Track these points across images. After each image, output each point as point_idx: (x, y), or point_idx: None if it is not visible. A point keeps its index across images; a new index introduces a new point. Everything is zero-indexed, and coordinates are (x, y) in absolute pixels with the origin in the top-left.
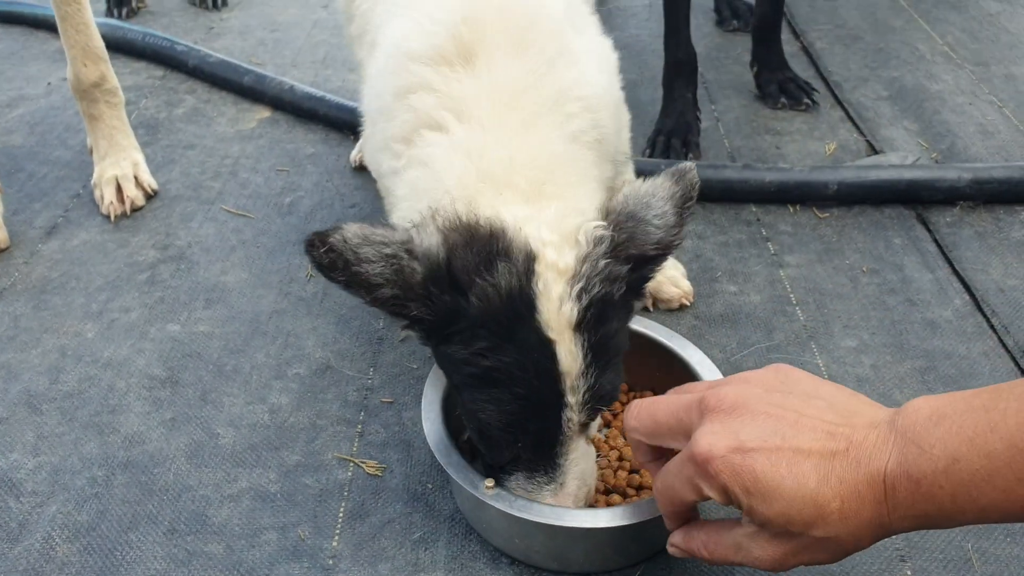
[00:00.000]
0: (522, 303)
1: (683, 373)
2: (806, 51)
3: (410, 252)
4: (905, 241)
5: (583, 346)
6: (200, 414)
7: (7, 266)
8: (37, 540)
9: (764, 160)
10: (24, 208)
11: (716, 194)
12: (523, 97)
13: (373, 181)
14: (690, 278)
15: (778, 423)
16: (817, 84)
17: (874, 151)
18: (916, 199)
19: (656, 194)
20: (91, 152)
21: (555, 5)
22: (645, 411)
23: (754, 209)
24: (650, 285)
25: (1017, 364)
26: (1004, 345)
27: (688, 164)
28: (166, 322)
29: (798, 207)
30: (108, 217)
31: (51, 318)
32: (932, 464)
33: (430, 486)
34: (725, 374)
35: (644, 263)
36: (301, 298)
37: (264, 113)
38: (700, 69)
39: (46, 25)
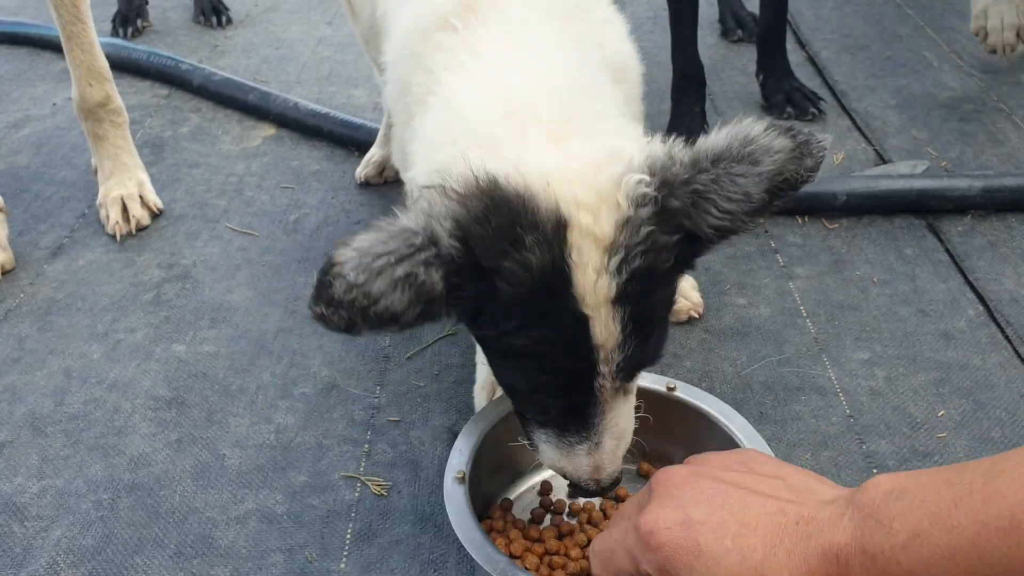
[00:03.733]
0: (555, 280)
1: (726, 442)
2: (812, 60)
3: (426, 262)
4: (916, 251)
5: (621, 320)
6: (206, 435)
7: (12, 287)
8: (42, 566)
9: None
10: (30, 229)
11: None
12: (539, 32)
13: (378, 197)
14: (699, 290)
15: (726, 498)
16: (824, 93)
17: (883, 160)
18: (927, 209)
19: (739, 156)
20: (96, 172)
21: None
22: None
23: (762, 221)
24: None
25: None
26: (1019, 356)
27: (810, 131)
28: (171, 342)
29: (807, 218)
30: (113, 237)
31: (56, 339)
32: (891, 539)
33: (438, 507)
34: (736, 388)
35: (697, 239)
36: (306, 316)
37: (269, 131)
38: (707, 81)
39: (51, 46)
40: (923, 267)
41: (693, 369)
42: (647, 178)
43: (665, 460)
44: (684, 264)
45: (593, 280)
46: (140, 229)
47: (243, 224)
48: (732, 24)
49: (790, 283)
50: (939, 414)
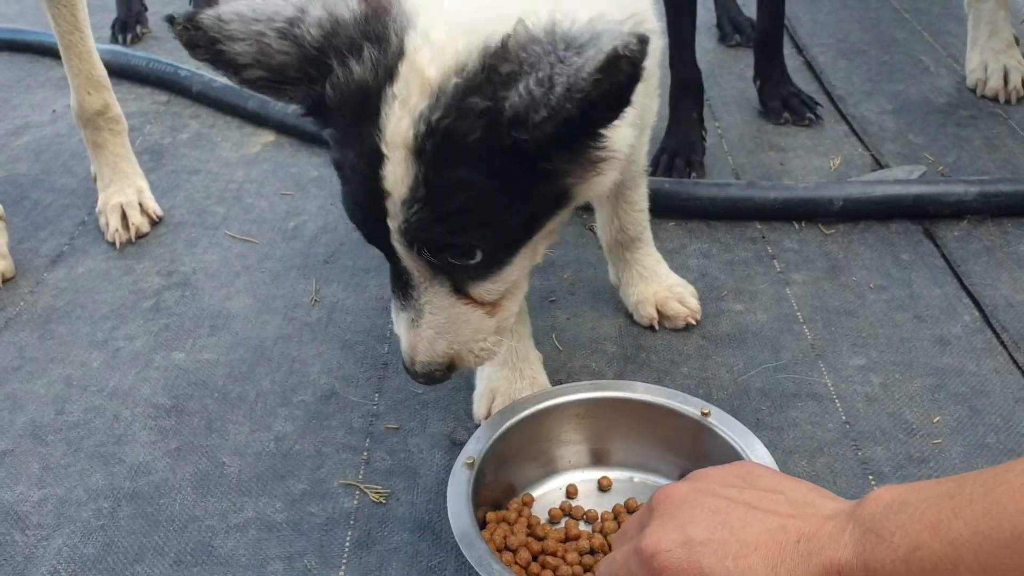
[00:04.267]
0: (369, 104)
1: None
2: (809, 65)
3: (280, 31)
4: (912, 256)
5: (415, 176)
6: (206, 443)
7: (13, 296)
8: (43, 574)
9: (769, 176)
10: (30, 236)
11: (721, 212)
12: None
13: None
14: (697, 297)
15: (727, 516)
16: (821, 98)
17: (879, 165)
18: (923, 214)
19: (577, 45)
20: (95, 180)
21: None
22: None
23: (759, 227)
24: (656, 300)
25: None
26: (1015, 362)
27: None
28: (171, 350)
29: (803, 224)
30: (113, 244)
31: (56, 347)
32: (891, 552)
33: (436, 514)
34: (733, 395)
35: (506, 128)
36: (306, 323)
37: (268, 137)
38: (704, 86)
39: (51, 52)
40: (919, 272)
41: (690, 376)
42: (505, 44)
43: None
44: (500, 148)
45: (398, 117)
46: (140, 236)
47: (242, 231)
48: (729, 29)
49: (787, 289)
50: (934, 420)
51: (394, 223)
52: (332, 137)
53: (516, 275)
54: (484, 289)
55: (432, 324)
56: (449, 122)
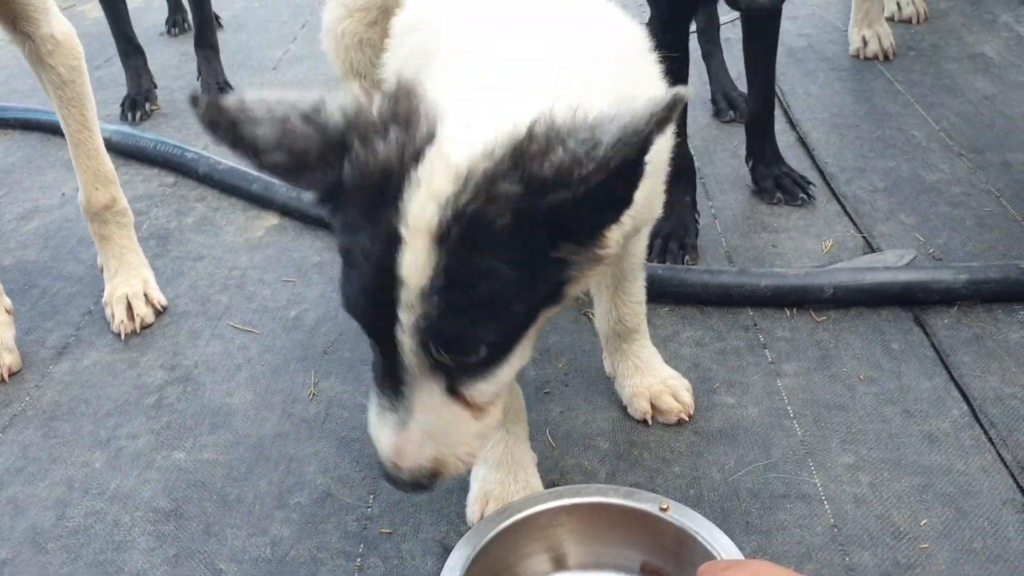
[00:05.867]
0: (390, 186)
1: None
2: (802, 142)
3: (304, 116)
4: (903, 346)
5: (435, 264)
6: (203, 549)
7: (18, 390)
8: None
9: (761, 260)
10: (37, 327)
11: (713, 299)
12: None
13: None
14: (691, 391)
15: None
16: (813, 176)
17: (871, 248)
18: (913, 301)
19: (616, 115)
20: (102, 270)
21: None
22: None
23: (751, 313)
24: (651, 393)
25: (1016, 481)
26: (1002, 459)
27: (681, 91)
28: (172, 449)
29: (795, 311)
30: (119, 335)
31: (59, 447)
32: None
33: None
34: (724, 496)
35: (545, 191)
36: (303, 419)
37: (272, 220)
38: (697, 163)
39: (63, 132)
40: (909, 363)
41: (682, 475)
42: (528, 132)
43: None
44: (538, 238)
45: (423, 201)
46: (144, 327)
47: (244, 320)
48: (724, 105)
49: (778, 380)
50: (922, 523)
51: (406, 314)
52: (343, 222)
53: (509, 375)
54: (478, 390)
55: (422, 425)
56: (477, 207)
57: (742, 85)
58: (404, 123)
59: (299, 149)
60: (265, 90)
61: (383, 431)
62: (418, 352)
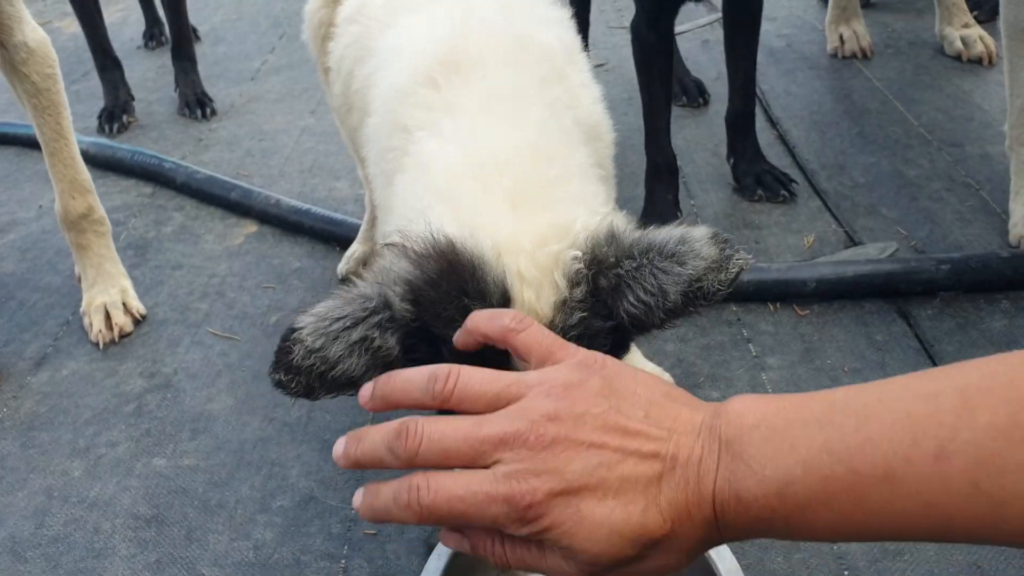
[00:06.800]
0: (496, 353)
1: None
2: (782, 139)
3: (380, 325)
4: (886, 337)
5: None
6: (185, 554)
7: None
8: None
9: None
10: (14, 338)
11: None
12: (515, 94)
13: None
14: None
15: (601, 453)
16: (794, 173)
17: (853, 242)
18: (895, 292)
19: (669, 253)
20: (79, 280)
21: (547, 36)
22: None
23: (734, 308)
24: None
25: None
26: None
27: (733, 244)
28: (152, 456)
29: (778, 305)
30: (97, 345)
31: (38, 456)
32: (763, 487)
33: None
34: None
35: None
36: (285, 423)
37: (251, 227)
38: (679, 162)
39: (39, 146)
40: (893, 354)
41: None
42: (580, 254)
43: None
44: (619, 348)
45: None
46: (123, 336)
47: (224, 327)
48: (677, 89)
49: (763, 374)
50: None
51: None
52: None
53: None
54: None
55: None
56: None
57: (721, 85)
58: (478, 295)
59: (383, 356)
60: (309, 325)
61: None
62: None
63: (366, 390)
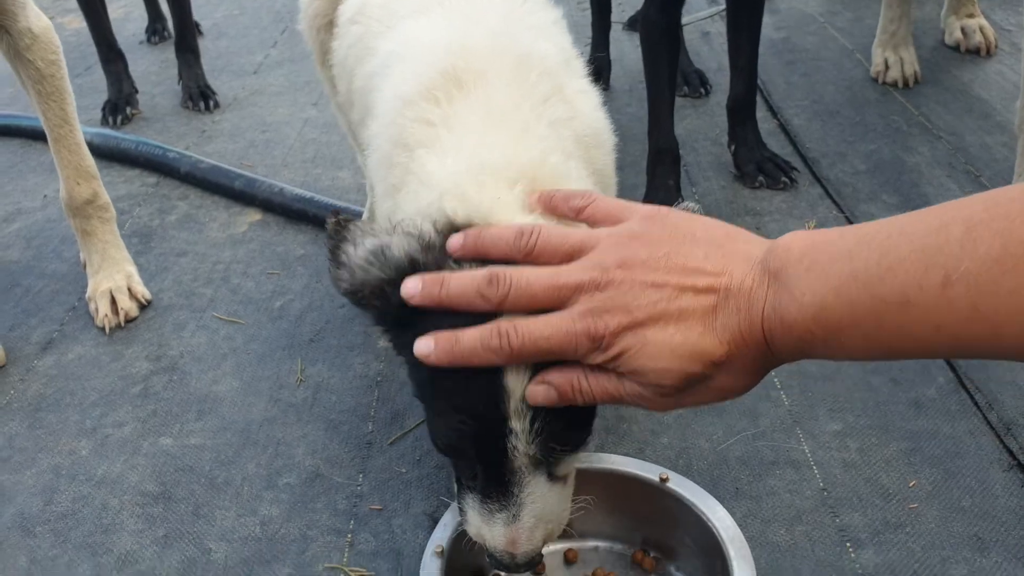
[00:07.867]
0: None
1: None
2: (783, 128)
3: (375, 256)
4: None
5: (535, 369)
6: (193, 529)
7: (3, 384)
8: None
9: None
10: (20, 324)
11: None
12: (515, 109)
13: None
14: None
15: (662, 291)
16: (795, 161)
17: None
18: None
19: None
20: (84, 266)
21: (546, 47)
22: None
23: None
24: None
25: (1002, 441)
26: (988, 422)
27: None
28: (159, 436)
29: None
30: (103, 329)
31: (46, 436)
32: (802, 312)
33: None
34: (713, 464)
35: None
36: (291, 404)
37: (255, 216)
38: (680, 151)
39: (43, 137)
40: None
41: (670, 446)
42: None
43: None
44: None
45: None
46: (129, 321)
47: (229, 312)
48: (679, 79)
49: None
50: (911, 484)
51: (519, 423)
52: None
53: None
54: (571, 464)
55: (533, 514)
56: None
57: (722, 76)
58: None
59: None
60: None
61: (495, 529)
62: (533, 452)
63: (456, 239)
